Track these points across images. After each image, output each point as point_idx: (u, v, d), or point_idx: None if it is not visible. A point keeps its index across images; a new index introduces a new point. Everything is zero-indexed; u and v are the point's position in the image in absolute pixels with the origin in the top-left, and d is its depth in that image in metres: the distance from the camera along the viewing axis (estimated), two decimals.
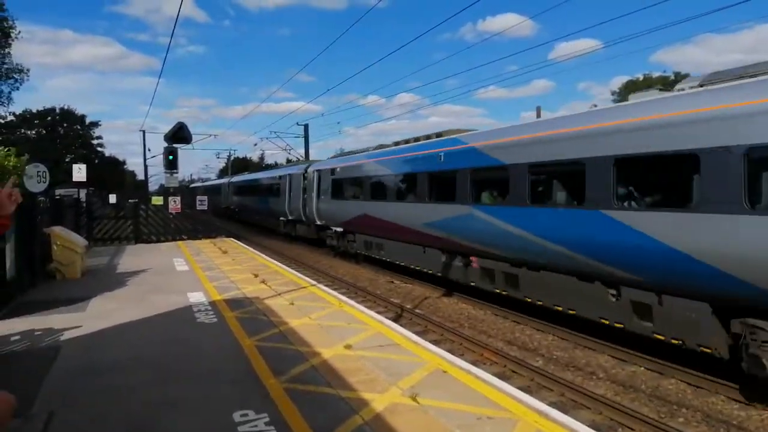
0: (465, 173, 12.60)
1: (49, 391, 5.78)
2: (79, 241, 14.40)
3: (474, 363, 7.74)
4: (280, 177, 30.13)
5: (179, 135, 22.31)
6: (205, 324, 8.72)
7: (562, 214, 9.74)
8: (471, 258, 12.82)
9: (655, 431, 6.43)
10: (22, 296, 11.11)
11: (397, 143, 18.28)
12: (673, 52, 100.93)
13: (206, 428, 4.90)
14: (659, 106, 8.02)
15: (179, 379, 6.16)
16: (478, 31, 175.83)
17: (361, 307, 10.32)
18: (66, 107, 64.77)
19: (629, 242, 8.06)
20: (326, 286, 13.34)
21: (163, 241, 22.96)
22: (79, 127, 65.65)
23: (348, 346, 7.30)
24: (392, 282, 16.57)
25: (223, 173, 78.59)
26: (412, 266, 15.86)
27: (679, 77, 45.56)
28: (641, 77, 52.94)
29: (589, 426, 5.19)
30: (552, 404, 6.26)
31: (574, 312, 9.70)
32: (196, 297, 10.84)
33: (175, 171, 23.23)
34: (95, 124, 67.94)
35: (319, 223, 23.26)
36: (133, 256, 18.09)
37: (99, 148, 69.07)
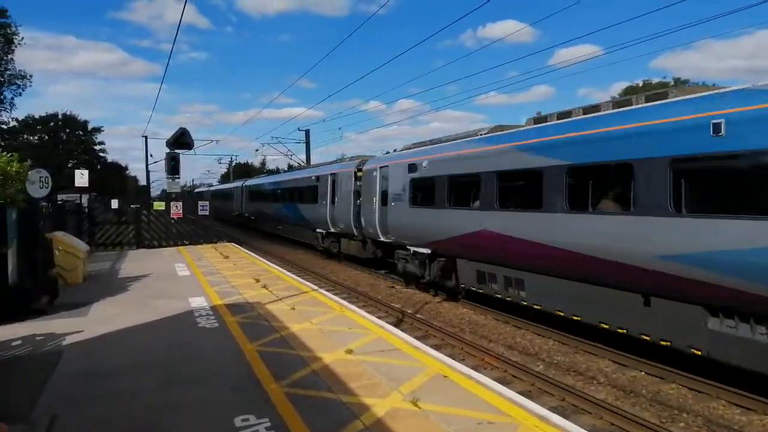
0: None
1: (52, 396, 5.81)
2: (81, 246, 14.44)
3: (475, 368, 7.75)
4: (318, 178, 23.70)
5: (181, 140, 22.37)
6: (207, 329, 8.74)
7: None
8: None
9: None
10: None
11: (558, 116, 10.54)
12: (673, 58, 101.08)
13: None
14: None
15: (181, 383, 6.18)
16: (478, 38, 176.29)
17: (363, 312, 10.35)
18: (68, 113, 65.01)
19: None
20: (327, 290, 13.37)
21: (165, 247, 23.02)
22: (81, 133, 65.80)
23: (349, 351, 7.32)
24: (393, 287, 16.57)
25: (225, 179, 78.69)
26: (602, 325, 9.09)
27: (679, 83, 45.69)
28: (641, 83, 52.98)
29: (589, 431, 5.21)
30: (553, 409, 6.27)
31: None
32: (198, 302, 10.87)
33: (177, 176, 23.27)
34: (98, 130, 68.15)
35: (383, 239, 16.97)
36: (134, 261, 18.12)
37: (101, 154, 69.21)
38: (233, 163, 73.13)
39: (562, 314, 9.94)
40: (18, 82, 44.14)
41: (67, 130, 64.71)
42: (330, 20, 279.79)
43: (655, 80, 52.92)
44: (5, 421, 5.12)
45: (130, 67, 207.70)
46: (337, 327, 8.84)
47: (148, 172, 37.56)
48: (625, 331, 8.66)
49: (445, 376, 6.41)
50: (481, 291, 12.59)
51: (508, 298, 11.57)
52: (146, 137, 36.24)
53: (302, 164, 39.77)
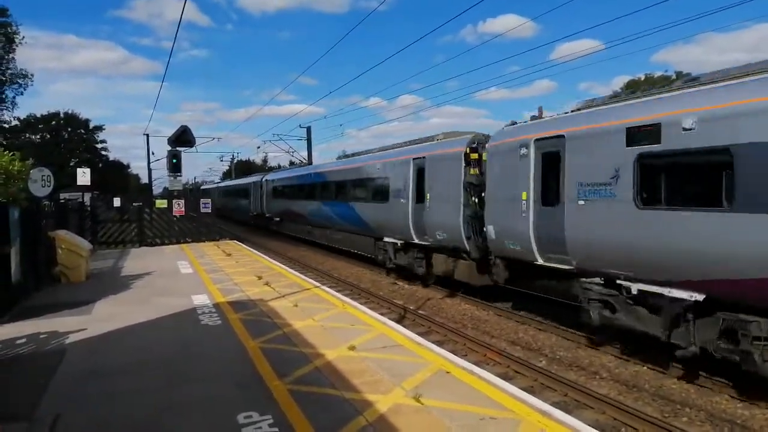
0: None
1: (55, 394, 5.83)
2: (84, 244, 14.47)
3: (477, 363, 7.75)
4: (387, 165, 16.70)
5: (183, 138, 22.50)
6: (209, 326, 8.76)
7: None
8: None
9: (658, 431, 6.43)
10: (27, 300, 11.17)
11: None
12: (674, 52, 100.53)
13: (211, 430, 4.93)
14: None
15: (184, 381, 6.20)
16: (479, 33, 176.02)
17: (365, 309, 10.35)
18: (70, 111, 65.08)
19: None
20: (330, 287, 13.37)
21: (168, 244, 23.06)
22: (83, 131, 65.90)
23: (351, 348, 7.33)
24: (395, 284, 16.57)
25: (226, 176, 78.71)
26: None
27: (681, 76, 45.46)
28: (643, 77, 52.77)
29: (592, 426, 5.21)
30: (555, 404, 6.26)
31: None
32: (201, 299, 10.89)
33: (178, 174, 23.39)
34: (99, 128, 68.21)
35: (542, 261, 9.97)
36: (137, 259, 18.16)
37: (103, 152, 69.32)
38: (235, 161, 73.16)
39: None
40: (19, 81, 44.33)
41: (69, 129, 64.79)
42: (330, 17, 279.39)
43: (657, 74, 52.74)
44: (9, 419, 5.14)
45: (130, 65, 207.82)
46: (339, 324, 8.86)
47: (150, 170, 37.58)
48: None
49: (448, 372, 6.42)
50: None
51: None
52: (148, 135, 36.22)
53: (304, 161, 38.47)
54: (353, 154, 23.67)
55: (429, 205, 14.14)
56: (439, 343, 9.08)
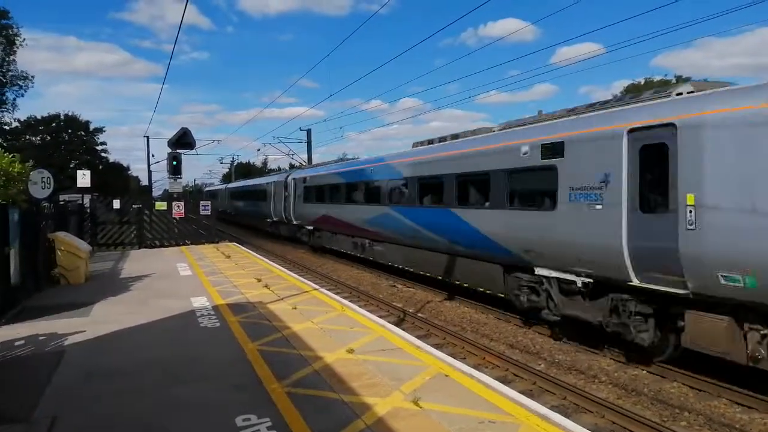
0: None
1: (53, 396, 5.82)
2: (83, 246, 14.47)
3: (476, 367, 7.75)
4: (574, 142, 9.15)
5: (183, 140, 22.53)
6: (209, 328, 8.75)
7: None
8: None
9: None
10: (26, 301, 11.16)
11: None
12: (674, 56, 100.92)
13: None
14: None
15: (182, 383, 6.19)
16: (479, 36, 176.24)
17: (364, 312, 10.35)
18: (70, 113, 65.00)
19: None
20: (329, 290, 13.37)
21: (167, 246, 23.04)
22: (83, 133, 65.87)
23: (350, 351, 7.32)
24: (395, 286, 16.57)
25: (226, 178, 78.69)
26: None
27: (681, 80, 45.55)
28: (642, 81, 52.90)
29: (591, 430, 5.22)
30: (554, 408, 6.27)
31: None
32: (200, 302, 10.88)
33: (179, 176, 23.42)
34: (99, 130, 68.18)
35: None
36: (136, 261, 18.15)
37: (103, 154, 69.24)
38: (235, 163, 73.19)
39: None
40: (20, 83, 44.47)
41: (69, 131, 64.77)
42: (331, 20, 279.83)
43: (657, 78, 52.87)
44: (7, 421, 5.13)
45: (131, 67, 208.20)
46: (338, 326, 8.85)
47: (150, 172, 37.62)
48: None
49: (447, 375, 6.42)
50: None
51: None
52: (148, 137, 36.31)
53: (304, 164, 35.98)
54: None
55: (697, 217, 7.04)
56: (438, 346, 9.08)
